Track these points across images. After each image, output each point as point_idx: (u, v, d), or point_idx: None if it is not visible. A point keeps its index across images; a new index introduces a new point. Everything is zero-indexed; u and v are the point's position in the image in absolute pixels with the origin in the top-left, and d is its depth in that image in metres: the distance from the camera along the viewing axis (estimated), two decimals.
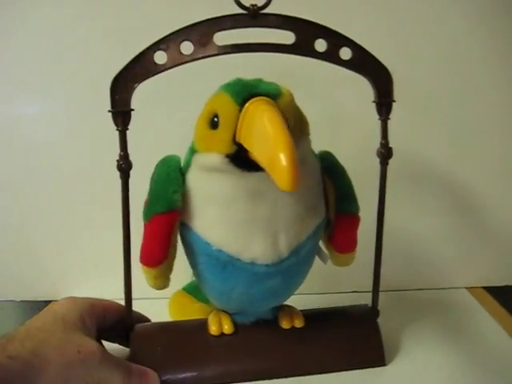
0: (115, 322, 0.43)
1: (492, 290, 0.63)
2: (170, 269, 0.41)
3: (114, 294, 0.58)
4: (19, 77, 0.59)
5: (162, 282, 0.41)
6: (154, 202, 0.39)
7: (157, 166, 0.40)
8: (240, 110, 0.34)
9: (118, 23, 0.57)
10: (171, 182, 0.38)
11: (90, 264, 0.63)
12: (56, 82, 0.59)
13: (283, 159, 0.28)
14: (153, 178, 0.40)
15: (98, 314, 0.41)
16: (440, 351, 0.48)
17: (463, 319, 0.55)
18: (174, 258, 0.41)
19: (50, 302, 0.61)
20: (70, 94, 0.59)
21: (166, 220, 0.38)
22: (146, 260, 0.39)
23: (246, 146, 0.33)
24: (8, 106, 0.60)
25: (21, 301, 0.64)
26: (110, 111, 0.38)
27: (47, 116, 0.60)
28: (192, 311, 0.51)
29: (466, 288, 0.64)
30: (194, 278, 0.51)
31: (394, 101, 0.42)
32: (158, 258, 0.39)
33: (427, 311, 0.57)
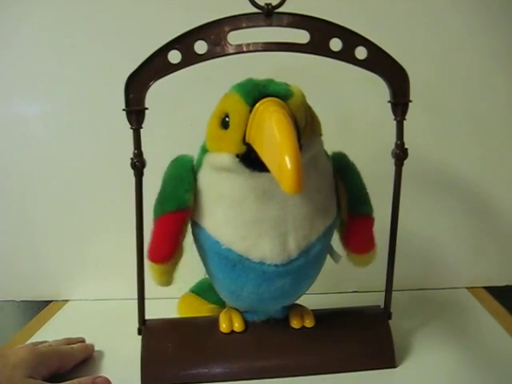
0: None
1: (493, 290, 0.63)
2: (176, 266, 0.42)
3: (114, 293, 0.60)
4: (21, 76, 0.59)
5: (168, 278, 0.41)
6: (164, 201, 0.39)
7: (169, 165, 0.41)
8: (250, 111, 0.34)
9: (120, 23, 0.57)
10: (183, 181, 0.39)
11: (90, 264, 0.63)
12: (58, 82, 0.59)
13: (288, 162, 0.28)
14: (164, 177, 0.40)
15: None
16: (441, 351, 0.47)
17: (464, 319, 0.55)
18: (181, 256, 0.41)
19: (51, 302, 0.63)
20: (71, 94, 0.59)
21: (176, 218, 0.39)
22: (153, 256, 0.40)
23: (254, 146, 0.33)
24: (9, 106, 0.60)
25: (21, 301, 0.65)
26: (124, 110, 0.39)
27: (48, 116, 0.60)
28: (203, 314, 0.50)
29: (467, 288, 0.64)
30: (202, 277, 0.51)
31: (411, 101, 0.41)
32: (165, 255, 0.39)
33: (428, 311, 0.56)
